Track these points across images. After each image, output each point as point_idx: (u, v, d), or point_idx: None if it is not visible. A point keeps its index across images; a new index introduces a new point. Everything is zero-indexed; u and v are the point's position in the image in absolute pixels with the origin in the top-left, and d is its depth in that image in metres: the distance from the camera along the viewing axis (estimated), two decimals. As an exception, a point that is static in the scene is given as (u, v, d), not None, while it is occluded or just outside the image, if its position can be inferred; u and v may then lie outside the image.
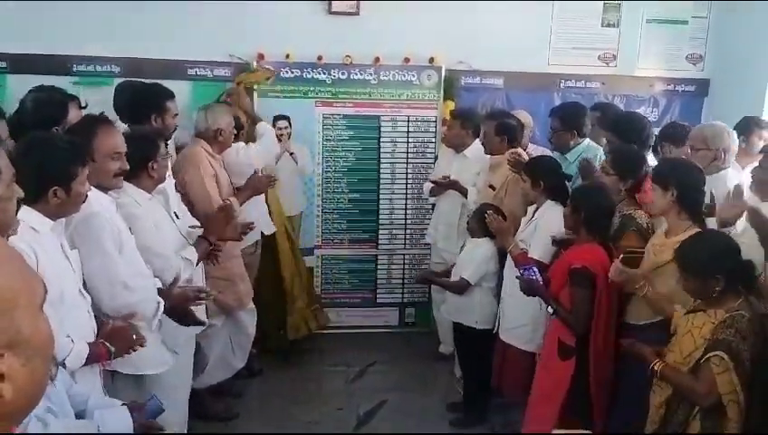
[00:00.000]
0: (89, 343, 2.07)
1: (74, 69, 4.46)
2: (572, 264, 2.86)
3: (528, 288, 3.01)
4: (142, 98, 3.40)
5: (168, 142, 3.18)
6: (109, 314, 2.32)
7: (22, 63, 4.36)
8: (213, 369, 3.75)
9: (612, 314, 2.85)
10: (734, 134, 3.23)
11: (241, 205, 3.63)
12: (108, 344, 2.11)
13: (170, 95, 3.43)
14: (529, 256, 3.24)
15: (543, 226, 3.26)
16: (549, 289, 2.98)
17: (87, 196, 2.16)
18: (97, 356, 2.07)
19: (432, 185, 4.39)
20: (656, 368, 2.36)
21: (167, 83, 3.95)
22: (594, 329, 2.83)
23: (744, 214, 2.52)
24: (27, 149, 2.09)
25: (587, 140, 3.85)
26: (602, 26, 4.88)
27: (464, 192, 4.14)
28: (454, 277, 3.74)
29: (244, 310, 3.84)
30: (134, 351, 2.23)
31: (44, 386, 0.83)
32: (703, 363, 2.22)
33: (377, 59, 4.63)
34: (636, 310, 2.82)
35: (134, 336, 2.21)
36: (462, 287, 3.64)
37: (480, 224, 3.60)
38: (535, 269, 3.00)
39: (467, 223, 3.77)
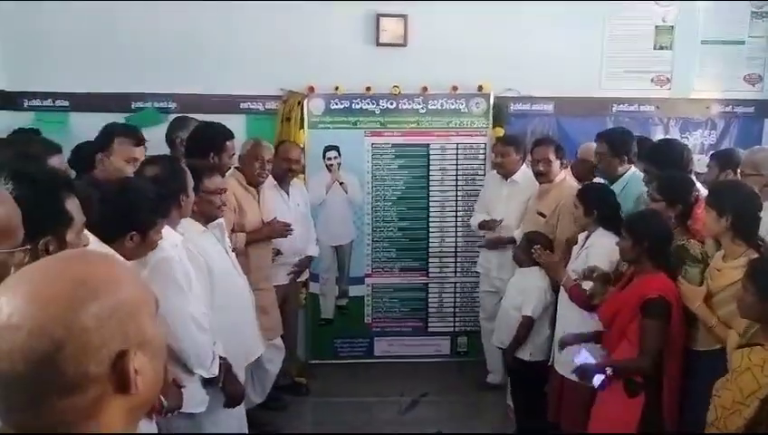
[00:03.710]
0: None
1: (133, 106, 4.62)
2: (646, 295, 2.73)
3: (582, 374, 2.85)
4: (204, 135, 3.48)
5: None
6: (173, 349, 2.38)
7: (83, 102, 4.55)
8: None
9: (682, 343, 2.77)
10: None
11: (246, 246, 3.60)
12: (162, 398, 2.14)
13: (230, 135, 3.49)
14: (582, 287, 3.16)
15: (595, 255, 3.17)
16: (613, 328, 2.86)
17: (158, 243, 2.24)
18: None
19: (479, 220, 4.40)
20: None
21: (221, 117, 4.07)
22: (669, 360, 2.73)
23: None
24: (120, 191, 2.21)
25: (633, 169, 3.72)
26: (655, 49, 4.79)
27: (510, 241, 4.15)
28: (508, 310, 3.68)
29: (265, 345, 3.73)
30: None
31: (161, 384, 0.95)
32: None
33: (424, 88, 4.66)
34: (702, 336, 2.75)
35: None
36: (528, 327, 3.54)
37: (527, 253, 3.55)
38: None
39: (513, 253, 3.71)
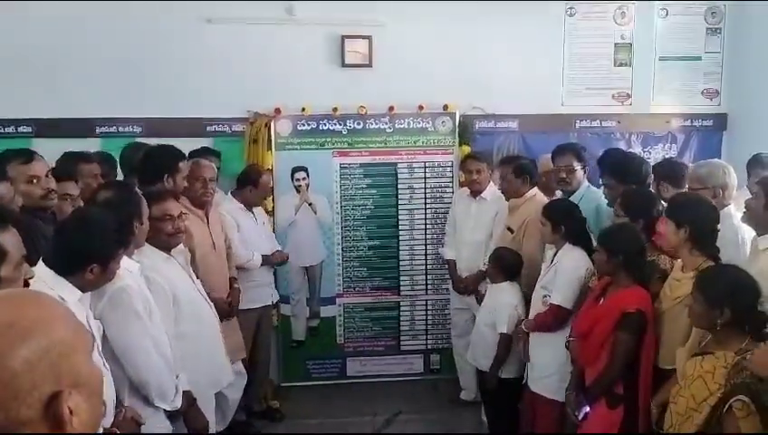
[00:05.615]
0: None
1: (98, 131, 4.58)
2: (625, 308, 2.75)
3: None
4: (155, 158, 3.40)
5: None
6: (133, 381, 2.35)
7: (47, 127, 4.50)
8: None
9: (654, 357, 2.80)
10: (731, 169, 3.18)
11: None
12: (118, 432, 2.10)
13: (183, 156, 3.44)
14: (551, 302, 3.19)
15: (563, 270, 3.21)
16: (590, 340, 2.88)
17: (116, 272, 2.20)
18: None
19: (448, 257, 4.52)
20: None
21: (187, 141, 4.08)
22: (643, 373, 2.76)
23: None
24: (78, 224, 2.13)
25: (586, 182, 3.82)
26: (615, 66, 4.91)
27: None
28: (480, 327, 3.70)
29: None
30: None
31: (100, 422, 0.94)
32: (725, 412, 2.15)
33: (391, 108, 4.69)
34: (665, 354, 2.76)
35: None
36: (507, 343, 3.54)
37: (498, 268, 3.59)
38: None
39: (485, 269, 3.74)
